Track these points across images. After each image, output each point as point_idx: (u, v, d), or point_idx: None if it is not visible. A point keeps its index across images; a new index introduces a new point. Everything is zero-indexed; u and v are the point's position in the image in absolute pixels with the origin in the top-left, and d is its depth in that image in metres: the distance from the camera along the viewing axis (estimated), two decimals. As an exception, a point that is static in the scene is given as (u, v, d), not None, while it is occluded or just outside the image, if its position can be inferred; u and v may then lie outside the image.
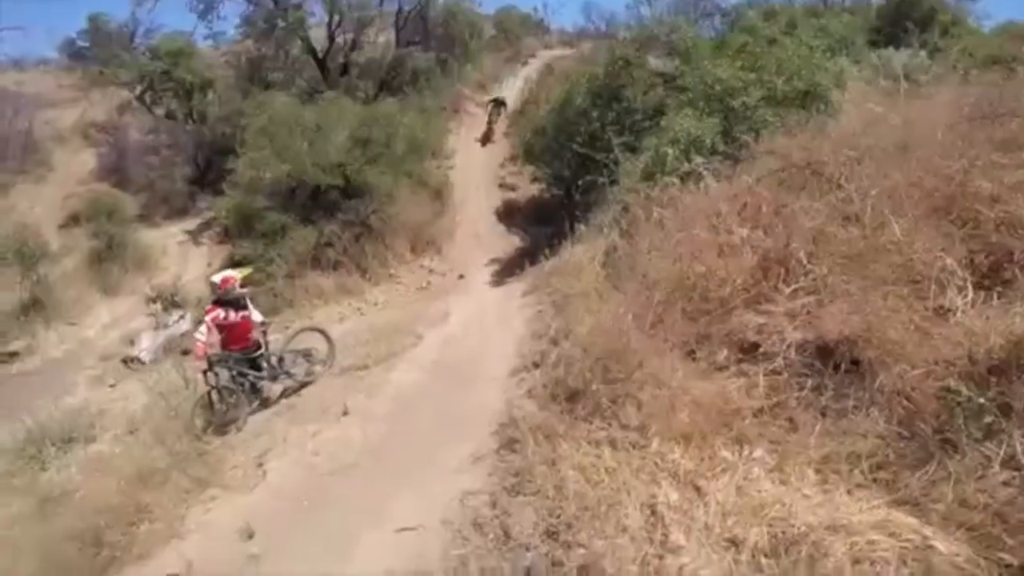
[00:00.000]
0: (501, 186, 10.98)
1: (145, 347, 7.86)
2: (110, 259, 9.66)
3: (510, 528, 2.94)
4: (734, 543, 2.42)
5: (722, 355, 3.27)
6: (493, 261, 8.54)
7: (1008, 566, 2.06)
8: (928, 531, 2.20)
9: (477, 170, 11.26)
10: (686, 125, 5.32)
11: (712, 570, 2.35)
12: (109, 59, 14.45)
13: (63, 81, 17.53)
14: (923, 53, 7.19)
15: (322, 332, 5.98)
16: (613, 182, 5.79)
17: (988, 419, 2.40)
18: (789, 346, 3.04)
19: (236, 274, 5.42)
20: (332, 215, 8.71)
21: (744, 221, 3.92)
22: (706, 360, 3.33)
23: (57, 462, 5.72)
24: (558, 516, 2.84)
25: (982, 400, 2.43)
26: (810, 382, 2.93)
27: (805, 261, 3.42)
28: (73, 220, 10.74)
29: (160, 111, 13.68)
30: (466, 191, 10.46)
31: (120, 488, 4.08)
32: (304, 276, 8.26)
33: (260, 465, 4.26)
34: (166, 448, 4.58)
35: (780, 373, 3.01)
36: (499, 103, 14.66)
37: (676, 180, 4.79)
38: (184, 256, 10.36)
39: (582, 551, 2.60)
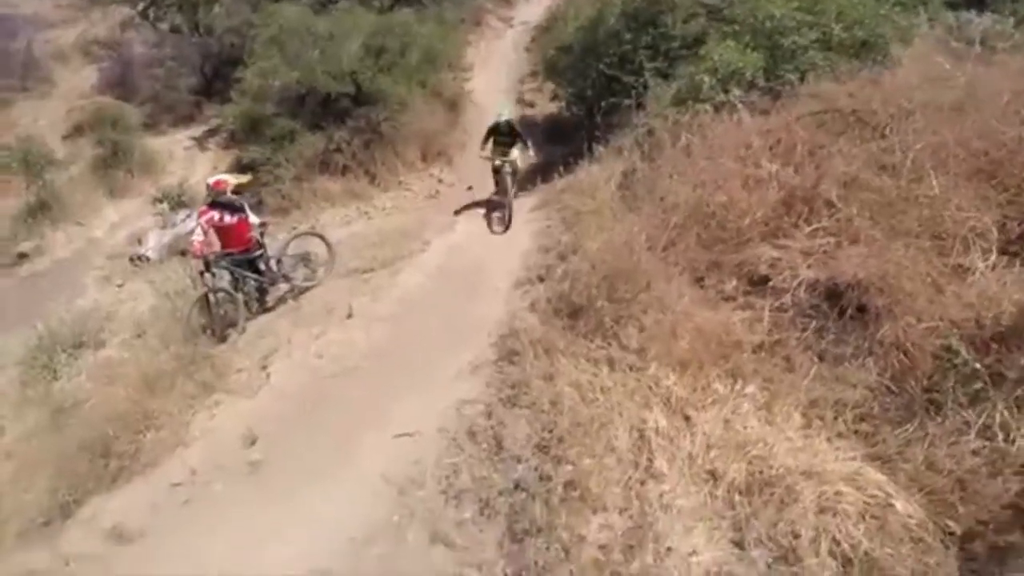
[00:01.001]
0: (519, 102, 10.47)
1: (152, 245, 8.08)
2: (116, 165, 9.79)
3: (503, 439, 3.13)
4: (713, 476, 2.60)
5: (730, 285, 3.34)
6: (505, 175, 8.49)
7: (951, 534, 2.23)
8: (892, 489, 2.36)
9: (495, 84, 10.87)
10: (727, 56, 5.13)
11: (689, 500, 2.54)
12: (108, -23, 13.90)
13: (60, 2, 16.88)
14: (1011, 20, 6.66)
15: (321, 237, 6.04)
16: (640, 106, 5.67)
17: (978, 385, 2.49)
18: (800, 284, 3.09)
19: (230, 179, 5.49)
20: (342, 122, 8.69)
21: (775, 157, 3.85)
22: (714, 288, 3.39)
23: (68, 370, 6.05)
24: (550, 431, 3.01)
25: (977, 365, 2.51)
26: (814, 324, 3.00)
27: (835, 202, 3.40)
28: (77, 131, 10.81)
29: (164, 26, 13.31)
30: (482, 104, 10.19)
31: (128, 395, 4.28)
32: (312, 180, 8.35)
33: (264, 368, 4.42)
34: (172, 352, 4.78)
35: (786, 310, 3.08)
36: (506, 132, 6.80)
37: (709, 109, 4.69)
38: (191, 160, 10.35)
39: (570, 468, 2.80)
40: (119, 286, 7.60)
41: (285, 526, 3.07)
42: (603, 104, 6.66)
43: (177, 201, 8.94)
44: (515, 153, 6.92)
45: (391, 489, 3.14)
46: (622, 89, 6.25)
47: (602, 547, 2.49)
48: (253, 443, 3.76)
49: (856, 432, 2.64)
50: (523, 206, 6.37)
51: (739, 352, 3.01)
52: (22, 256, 8.37)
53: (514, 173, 6.91)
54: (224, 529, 3.17)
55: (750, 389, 2.86)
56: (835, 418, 2.69)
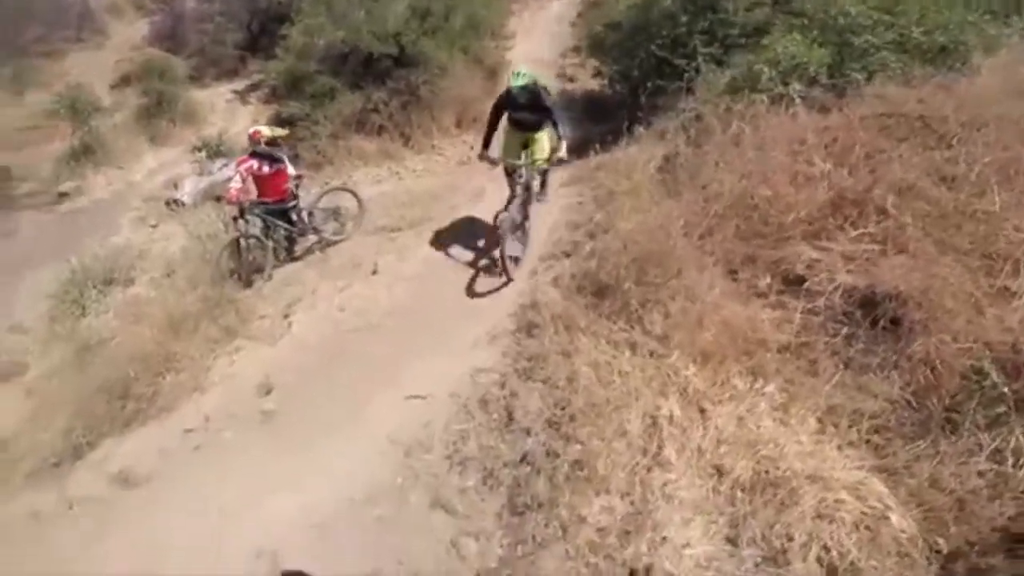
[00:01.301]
0: (560, 75, 10.34)
1: (188, 191, 8.43)
2: (159, 114, 10.29)
3: (515, 411, 3.20)
4: (720, 471, 2.63)
5: (764, 282, 3.31)
6: (537, 147, 8.25)
7: (938, 552, 2.24)
8: (892, 502, 2.37)
9: (536, 55, 10.67)
10: (792, 49, 5.04)
11: (692, 493, 2.58)
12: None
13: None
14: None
15: (353, 193, 6.25)
16: (689, 90, 5.60)
17: (1000, 409, 2.48)
18: (836, 288, 3.05)
19: (266, 130, 5.72)
20: (382, 83, 8.87)
21: (829, 156, 3.78)
22: (747, 283, 3.37)
23: (96, 306, 6.38)
24: (563, 408, 3.06)
25: (1005, 389, 2.49)
26: (844, 330, 2.98)
27: (886, 209, 3.33)
28: (124, 81, 11.41)
29: (216, -17, 13.70)
30: None
31: (152, 336, 4.46)
32: (348, 138, 8.59)
33: (287, 317, 4.57)
34: (199, 294, 4.98)
35: (817, 314, 3.05)
36: (525, 105, 4.41)
37: (765, 100, 4.61)
38: (232, 113, 10.76)
39: (579, 447, 2.84)
40: (153, 227, 7.97)
41: (291, 478, 3.19)
42: (649, 85, 6.50)
43: (215, 151, 9.27)
44: (543, 143, 4.54)
45: (398, 450, 3.25)
46: (671, 72, 6.12)
47: (600, 529, 2.54)
48: (268, 392, 3.90)
49: (868, 442, 2.64)
50: (552, 182, 5.92)
51: (764, 350, 2.99)
52: (62, 195, 8.86)
53: (544, 184, 4.94)
54: (230, 478, 3.30)
55: (769, 389, 2.86)
56: (850, 426, 2.69)
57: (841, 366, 2.88)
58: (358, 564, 2.73)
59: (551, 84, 9.07)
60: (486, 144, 4.71)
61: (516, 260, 4.47)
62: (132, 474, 3.52)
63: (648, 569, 2.35)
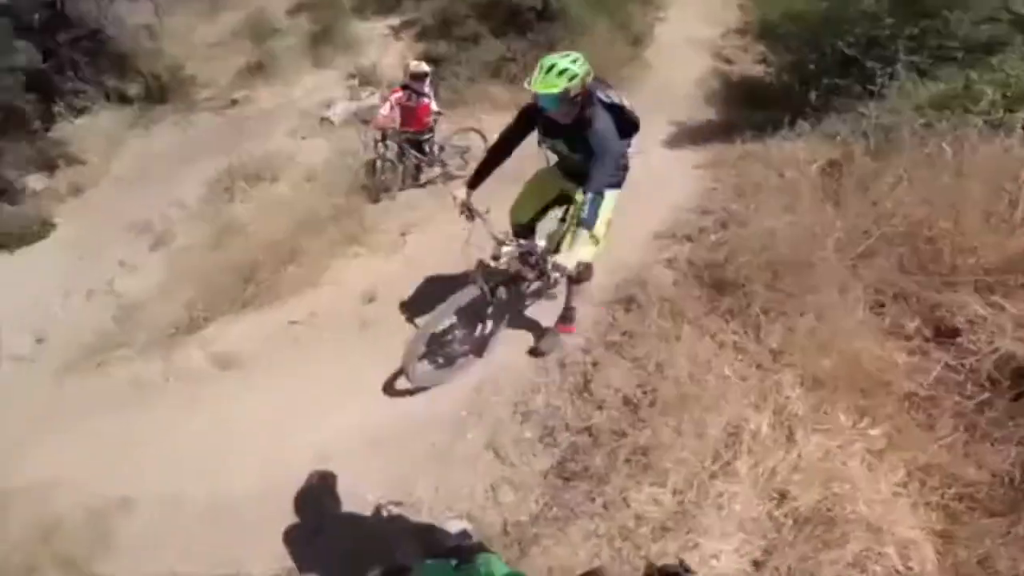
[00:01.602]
0: (715, 55, 9.69)
1: (338, 111, 9.29)
2: (324, 41, 11.42)
3: (592, 380, 3.18)
4: (783, 497, 2.48)
5: (912, 324, 2.95)
6: (673, 123, 7.33)
7: None
8: (932, 568, 2.19)
9: (689, 31, 10.11)
10: None
11: (745, 509, 2.46)
12: None
13: None
14: None
15: (482, 135, 6.61)
16: (880, 96, 5.07)
17: None
18: (993, 351, 2.65)
19: (413, 64, 6.23)
20: (523, 34, 9.10)
21: (1045, 201, 3.19)
22: (892, 320, 3.03)
23: (243, 195, 7.27)
24: (646, 392, 2.99)
25: None
26: (983, 395, 2.62)
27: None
28: (299, 8, 12.68)
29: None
30: (671, 47, 9.60)
31: (285, 227, 4.92)
32: (483, 83, 8.97)
33: (403, 235, 4.95)
34: (332, 201, 5.56)
35: (959, 372, 2.70)
36: (555, 126, 2.69)
37: (980, 123, 3.95)
38: (385, 47, 11.41)
39: (650, 434, 2.77)
40: (303, 138, 8.88)
41: (367, 388, 3.38)
42: (825, 81, 5.99)
43: (366, 79, 10.09)
44: (585, 211, 2.52)
45: (470, 384, 3.36)
46: (858, 73, 5.62)
47: (639, 518, 2.51)
48: (371, 301, 4.17)
49: (946, 507, 2.38)
50: (688, 159, 5.61)
51: (884, 393, 2.72)
52: (234, 102, 10.29)
53: (568, 310, 3.43)
54: (318, 376, 3.51)
55: (874, 432, 2.61)
56: (937, 488, 2.44)
57: (961, 429, 2.56)
58: (398, 483, 2.88)
59: (706, 60, 8.81)
60: (473, 182, 3.00)
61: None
62: (232, 356, 3.85)
63: (667, 569, 2.34)
